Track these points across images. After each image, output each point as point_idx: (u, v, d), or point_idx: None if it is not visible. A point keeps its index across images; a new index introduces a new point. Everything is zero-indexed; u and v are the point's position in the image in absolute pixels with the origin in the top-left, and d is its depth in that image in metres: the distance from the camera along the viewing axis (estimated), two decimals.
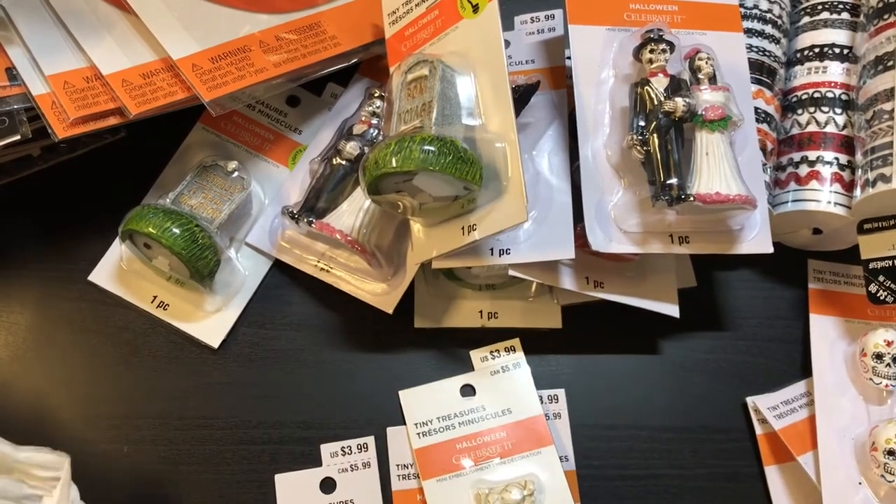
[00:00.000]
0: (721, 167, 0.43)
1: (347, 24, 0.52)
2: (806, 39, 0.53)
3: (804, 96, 0.51)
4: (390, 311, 0.49)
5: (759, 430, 0.49)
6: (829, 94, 0.50)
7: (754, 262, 0.53)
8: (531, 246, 0.44)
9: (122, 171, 0.52)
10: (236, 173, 0.51)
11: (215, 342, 0.50)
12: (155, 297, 0.50)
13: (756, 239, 0.45)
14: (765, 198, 0.46)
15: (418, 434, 0.47)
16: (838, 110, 0.50)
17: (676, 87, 0.44)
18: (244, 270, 0.51)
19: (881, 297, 0.46)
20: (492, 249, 0.44)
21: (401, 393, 0.48)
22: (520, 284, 0.50)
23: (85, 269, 0.50)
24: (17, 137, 0.45)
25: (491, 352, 0.49)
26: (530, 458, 0.46)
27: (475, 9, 0.44)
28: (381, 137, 0.49)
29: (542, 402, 0.48)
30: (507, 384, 0.48)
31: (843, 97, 0.50)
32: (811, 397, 0.49)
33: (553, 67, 0.51)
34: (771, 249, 0.45)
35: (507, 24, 0.53)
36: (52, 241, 0.52)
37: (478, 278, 0.50)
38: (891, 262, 0.46)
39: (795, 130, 0.51)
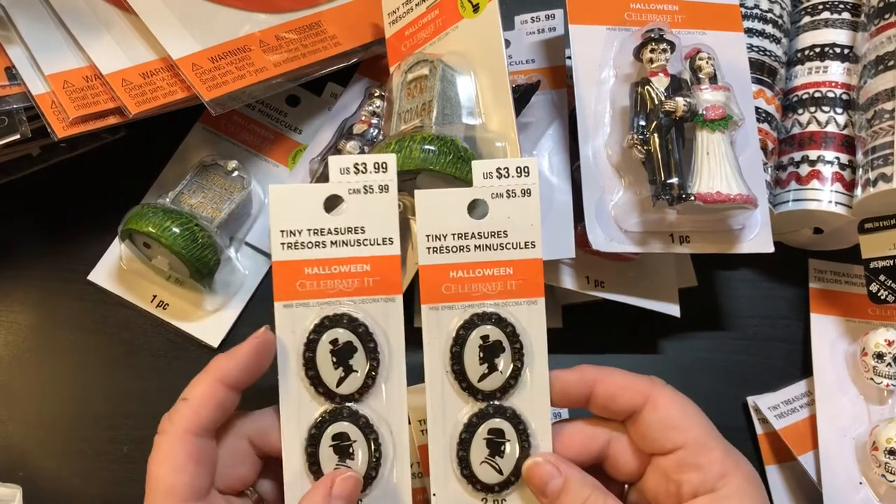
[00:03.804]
0: (722, 167, 0.43)
1: (347, 23, 0.52)
2: (807, 39, 0.53)
3: (805, 96, 0.51)
4: None
5: (759, 429, 0.49)
6: (830, 94, 0.50)
7: (755, 261, 0.53)
8: None
9: (121, 170, 0.52)
10: (236, 173, 0.50)
11: (215, 341, 0.50)
12: (155, 296, 0.50)
13: (757, 238, 0.45)
14: (765, 197, 0.46)
15: None
16: (839, 110, 0.50)
17: (677, 86, 0.44)
18: (244, 270, 0.51)
19: (882, 297, 0.46)
20: None
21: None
22: None
23: (85, 269, 0.50)
24: (17, 137, 0.45)
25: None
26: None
27: (475, 8, 0.44)
28: (381, 137, 0.49)
29: None
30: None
31: (844, 97, 0.50)
32: (812, 397, 0.49)
33: (553, 67, 0.51)
34: (772, 249, 0.45)
35: (508, 24, 0.53)
36: (52, 241, 0.52)
37: None
38: (892, 262, 0.46)
39: (796, 130, 0.51)
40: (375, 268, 0.36)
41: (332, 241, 0.36)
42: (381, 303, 0.37)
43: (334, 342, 0.36)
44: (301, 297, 0.36)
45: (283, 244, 0.36)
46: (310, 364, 0.36)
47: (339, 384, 0.36)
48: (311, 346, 0.36)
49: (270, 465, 0.37)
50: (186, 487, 0.33)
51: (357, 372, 0.36)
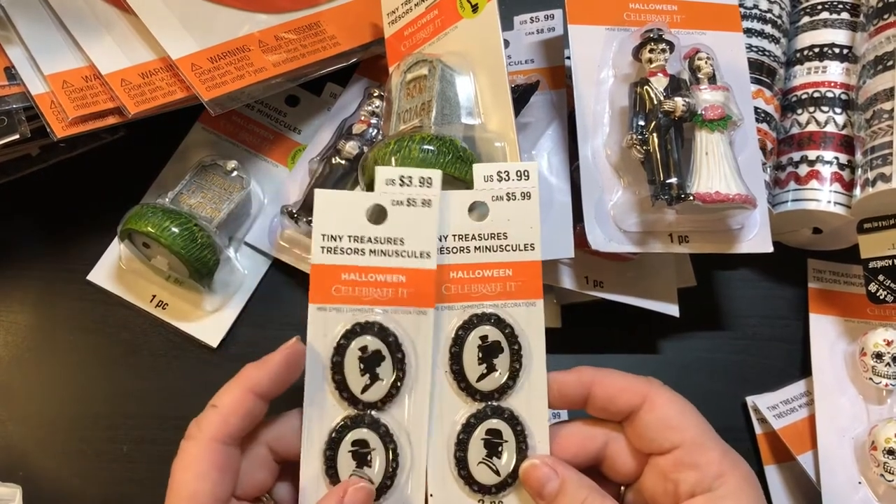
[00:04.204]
0: (721, 167, 0.43)
1: (347, 23, 0.52)
2: (806, 39, 0.53)
3: (804, 96, 0.51)
4: None
5: (758, 429, 0.49)
6: (829, 94, 0.50)
7: (754, 261, 0.53)
8: None
9: (121, 170, 0.52)
10: (235, 173, 0.50)
11: (214, 341, 0.50)
12: (154, 296, 0.50)
13: (756, 238, 0.45)
14: (764, 197, 0.45)
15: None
16: (838, 110, 0.50)
17: (676, 86, 0.44)
18: (243, 270, 0.51)
19: (881, 297, 0.46)
20: None
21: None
22: None
23: (84, 269, 0.50)
24: (16, 137, 0.45)
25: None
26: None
27: (474, 8, 0.44)
28: (380, 137, 0.49)
29: None
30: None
31: (843, 97, 0.50)
32: (811, 397, 0.49)
33: (552, 67, 0.51)
34: (771, 249, 0.45)
35: (507, 24, 0.53)
36: (51, 241, 0.52)
37: None
38: (890, 262, 0.46)
39: (795, 130, 0.51)
40: (410, 280, 0.36)
41: (370, 250, 0.37)
42: (413, 315, 0.37)
43: (363, 349, 0.36)
44: (335, 301, 0.36)
45: (323, 248, 0.36)
46: (337, 368, 0.36)
47: (363, 391, 0.36)
48: (340, 350, 0.36)
49: (286, 469, 0.37)
50: (209, 495, 0.33)
51: (383, 380, 0.36)
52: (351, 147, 0.48)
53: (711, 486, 0.34)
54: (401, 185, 0.37)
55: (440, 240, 0.37)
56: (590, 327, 0.51)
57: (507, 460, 0.36)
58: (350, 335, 0.36)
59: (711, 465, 0.34)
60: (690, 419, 0.36)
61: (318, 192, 0.36)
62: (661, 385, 0.37)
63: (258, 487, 0.36)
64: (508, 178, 0.37)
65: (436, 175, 0.37)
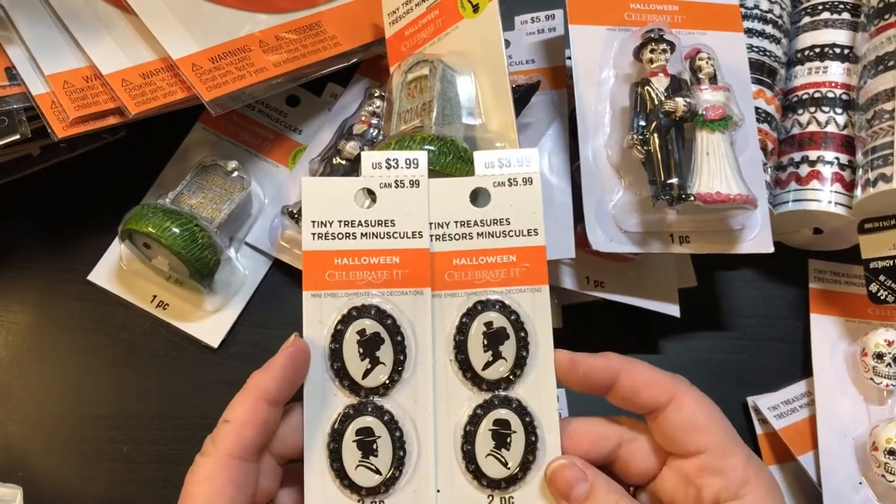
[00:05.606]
0: (721, 167, 0.43)
1: (347, 23, 0.52)
2: (806, 39, 0.53)
3: (805, 96, 0.51)
4: None
5: (759, 429, 0.49)
6: (830, 94, 0.50)
7: (755, 261, 0.53)
8: None
9: (121, 170, 0.52)
10: (236, 173, 0.50)
11: (215, 342, 0.50)
12: (154, 296, 0.50)
13: (757, 238, 0.45)
14: (765, 197, 0.46)
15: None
16: (839, 110, 0.50)
17: (677, 86, 0.44)
18: (244, 270, 0.51)
19: (882, 297, 0.46)
20: None
21: None
22: None
23: (85, 269, 0.50)
24: (17, 137, 0.45)
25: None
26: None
27: (475, 9, 0.44)
28: (381, 137, 0.49)
29: None
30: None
31: (844, 97, 0.50)
32: (812, 397, 0.49)
33: (553, 67, 0.51)
34: (772, 249, 0.45)
35: (508, 24, 0.53)
36: (52, 241, 0.52)
37: None
38: (891, 262, 0.46)
39: (796, 130, 0.51)
40: (405, 260, 0.36)
41: (362, 233, 0.36)
42: (409, 295, 0.36)
43: (361, 332, 0.36)
44: (330, 287, 0.36)
45: (313, 234, 0.36)
46: (336, 356, 0.35)
47: (364, 376, 0.35)
48: (337, 336, 0.36)
49: (290, 473, 0.36)
50: None
51: (384, 364, 0.36)
52: (351, 147, 0.48)
53: (737, 494, 0.33)
54: (387, 167, 0.37)
55: (442, 227, 0.37)
56: (590, 327, 0.51)
57: (515, 452, 0.36)
58: (347, 320, 0.36)
59: (736, 471, 0.34)
60: (717, 423, 0.35)
61: (304, 179, 0.36)
62: (689, 384, 0.36)
63: (265, 494, 0.35)
64: (510, 165, 0.37)
65: (421, 156, 0.37)
